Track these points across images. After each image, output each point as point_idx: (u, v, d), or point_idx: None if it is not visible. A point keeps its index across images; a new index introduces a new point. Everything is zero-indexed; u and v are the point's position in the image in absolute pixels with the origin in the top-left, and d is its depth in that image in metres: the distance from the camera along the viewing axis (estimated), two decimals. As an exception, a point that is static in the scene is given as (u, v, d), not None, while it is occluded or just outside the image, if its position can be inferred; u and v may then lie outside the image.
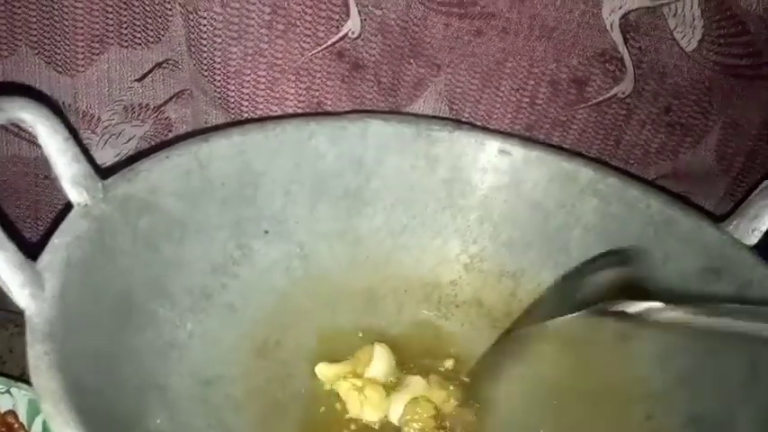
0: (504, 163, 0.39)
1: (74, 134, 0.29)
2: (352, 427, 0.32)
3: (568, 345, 0.35)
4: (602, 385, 0.34)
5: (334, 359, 0.35)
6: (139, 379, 0.28)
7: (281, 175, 0.37)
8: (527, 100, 0.42)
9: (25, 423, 0.38)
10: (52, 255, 0.26)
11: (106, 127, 0.43)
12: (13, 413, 0.38)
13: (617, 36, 0.39)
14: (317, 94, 0.42)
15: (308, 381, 0.34)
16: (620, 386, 0.34)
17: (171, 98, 0.43)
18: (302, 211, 0.38)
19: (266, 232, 0.37)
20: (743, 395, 0.31)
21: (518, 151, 0.39)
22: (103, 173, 0.31)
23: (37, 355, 0.22)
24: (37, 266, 0.25)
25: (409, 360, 0.35)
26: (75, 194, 0.28)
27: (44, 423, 0.38)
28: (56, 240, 0.27)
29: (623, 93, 0.41)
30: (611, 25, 0.39)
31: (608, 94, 0.41)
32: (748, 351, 0.31)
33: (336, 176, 0.38)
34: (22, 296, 0.24)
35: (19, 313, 0.47)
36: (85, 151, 0.30)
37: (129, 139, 0.44)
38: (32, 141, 0.43)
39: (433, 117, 0.42)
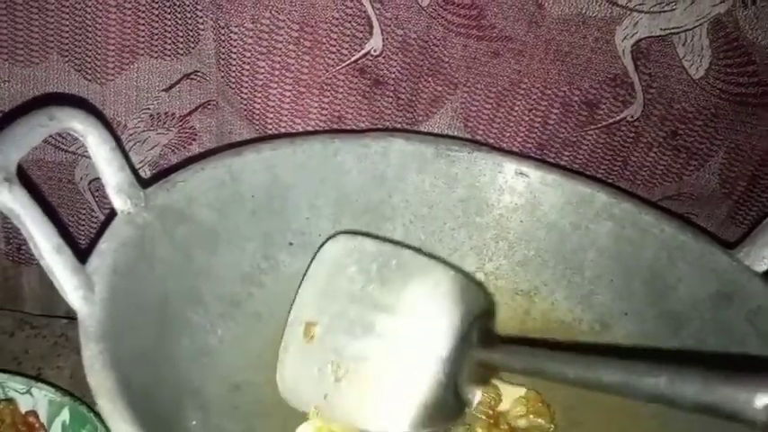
0: (520, 184, 0.41)
1: (119, 144, 0.30)
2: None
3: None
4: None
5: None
6: (176, 382, 0.29)
7: (308, 189, 0.38)
8: (539, 120, 0.43)
9: (45, 423, 0.39)
10: (100, 259, 0.27)
11: (132, 134, 0.44)
12: (34, 413, 0.39)
13: (628, 62, 0.41)
14: (339, 108, 0.43)
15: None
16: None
17: (197, 108, 0.44)
18: (326, 224, 0.39)
19: (291, 244, 0.38)
20: None
21: (534, 173, 0.40)
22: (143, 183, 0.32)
23: (92, 355, 0.23)
24: (86, 270, 0.26)
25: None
26: (119, 202, 0.29)
27: (63, 424, 0.39)
28: (103, 245, 0.28)
29: (632, 116, 0.43)
30: (623, 51, 0.40)
31: (618, 117, 0.43)
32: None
33: (359, 192, 0.39)
34: (75, 298, 0.25)
35: (35, 315, 0.48)
36: (128, 161, 0.31)
37: (154, 147, 0.45)
38: (57, 146, 0.44)
39: (453, 137, 0.43)
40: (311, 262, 0.35)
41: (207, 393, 0.30)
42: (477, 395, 0.33)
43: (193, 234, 0.32)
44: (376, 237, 0.36)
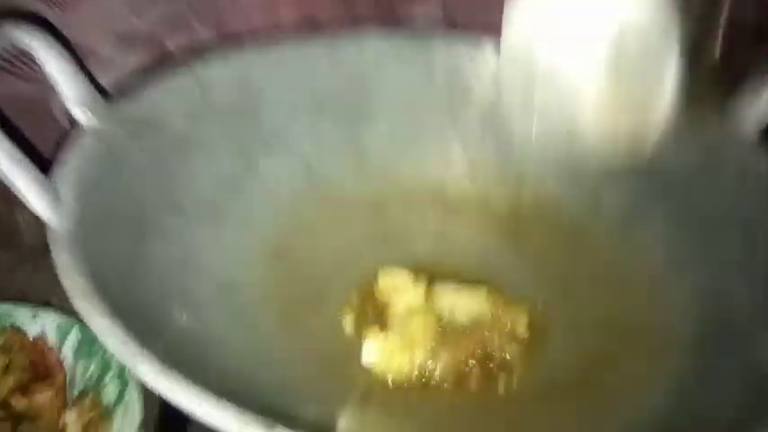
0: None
1: (77, 62, 0.29)
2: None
3: (567, 230, 0.36)
4: (602, 268, 0.35)
5: (345, 269, 0.36)
6: (161, 283, 0.29)
7: (282, 93, 0.37)
8: None
9: (56, 347, 0.40)
10: (65, 169, 0.27)
11: (101, 59, 0.43)
12: (43, 338, 0.40)
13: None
14: (311, 9, 0.42)
15: (325, 285, 0.35)
16: (621, 269, 0.35)
17: (166, 26, 0.43)
18: (304, 126, 0.38)
19: (270, 147, 0.37)
20: (741, 270, 0.32)
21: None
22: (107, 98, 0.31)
23: (64, 258, 0.23)
24: (51, 181, 0.26)
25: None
26: (81, 115, 0.29)
27: (74, 345, 0.40)
28: (66, 157, 0.27)
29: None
30: None
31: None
32: (743, 230, 0.32)
33: (336, 92, 0.38)
34: (40, 206, 0.25)
35: (35, 251, 0.49)
36: (89, 74, 0.30)
37: (126, 70, 0.43)
38: (31, 79, 0.43)
39: (429, 26, 0.42)
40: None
41: (194, 292, 0.30)
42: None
43: (165, 143, 0.32)
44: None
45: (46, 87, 0.42)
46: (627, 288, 0.35)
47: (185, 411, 0.20)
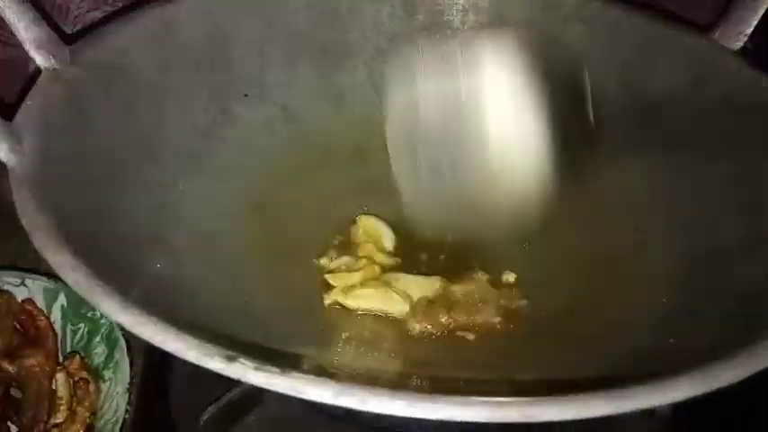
0: (483, 0, 0.38)
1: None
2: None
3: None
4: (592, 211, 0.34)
5: (327, 218, 0.35)
6: (135, 232, 0.28)
7: (253, 35, 0.36)
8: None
9: (44, 311, 0.39)
10: (26, 115, 0.26)
11: (77, 16, 0.42)
12: (31, 301, 0.39)
13: None
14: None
15: (306, 234, 0.35)
16: (609, 207, 0.34)
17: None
18: (280, 71, 0.37)
19: (246, 95, 0.36)
20: (726, 201, 0.31)
21: (498, -15, 0.37)
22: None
23: (24, 198, 0.23)
24: (12, 126, 0.25)
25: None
26: (41, 59, 0.28)
27: (62, 308, 0.40)
28: (28, 102, 0.27)
29: None
30: None
31: None
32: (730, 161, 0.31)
33: (312, 32, 0.37)
34: (1, 150, 0.24)
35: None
36: (47, 18, 0.29)
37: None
38: (5, 42, 0.42)
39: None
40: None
41: (171, 241, 0.30)
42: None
43: (133, 89, 0.31)
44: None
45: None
46: (613, 224, 0.34)
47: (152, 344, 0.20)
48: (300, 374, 0.18)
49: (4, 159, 0.24)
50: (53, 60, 0.28)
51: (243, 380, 0.18)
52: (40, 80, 0.28)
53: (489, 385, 0.25)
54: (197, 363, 0.19)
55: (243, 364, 0.18)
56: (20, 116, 0.26)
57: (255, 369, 0.18)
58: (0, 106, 0.25)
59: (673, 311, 0.29)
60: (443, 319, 0.31)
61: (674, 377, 0.19)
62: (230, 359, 0.19)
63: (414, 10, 0.38)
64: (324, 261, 0.34)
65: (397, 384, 0.18)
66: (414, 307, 0.31)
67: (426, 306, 0.31)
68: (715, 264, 0.29)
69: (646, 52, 0.35)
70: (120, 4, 0.42)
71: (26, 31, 0.28)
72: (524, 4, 0.38)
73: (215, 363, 0.18)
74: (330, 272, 0.33)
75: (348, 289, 0.31)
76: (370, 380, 0.18)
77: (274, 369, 0.18)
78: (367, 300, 0.31)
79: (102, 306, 0.20)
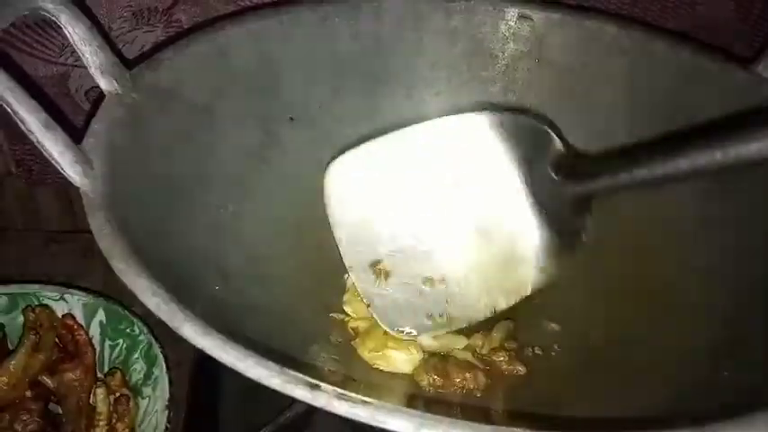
0: (524, 29, 0.38)
1: (97, 25, 0.29)
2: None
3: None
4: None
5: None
6: (193, 252, 0.29)
7: (299, 60, 0.36)
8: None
9: (83, 326, 0.40)
10: (95, 138, 0.27)
11: (118, 35, 0.42)
12: (71, 316, 0.40)
13: None
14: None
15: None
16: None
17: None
18: (324, 95, 0.38)
19: (291, 119, 0.37)
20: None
21: (538, 15, 0.38)
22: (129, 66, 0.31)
23: (100, 222, 0.23)
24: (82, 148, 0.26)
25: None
26: (105, 83, 0.29)
27: (101, 324, 0.40)
28: (95, 126, 0.27)
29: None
30: None
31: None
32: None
33: (355, 58, 0.38)
34: (74, 173, 0.25)
35: (59, 232, 0.49)
36: (110, 43, 0.30)
37: (143, 46, 0.43)
38: (46, 60, 0.43)
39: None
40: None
41: (226, 263, 0.30)
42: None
43: (188, 113, 0.32)
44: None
45: (64, 67, 0.42)
46: (655, 253, 0.34)
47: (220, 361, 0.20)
48: (382, 404, 0.19)
49: (78, 183, 0.25)
50: (116, 85, 0.29)
51: (326, 408, 0.19)
52: (105, 104, 0.28)
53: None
54: (280, 390, 0.19)
55: (326, 392, 0.19)
56: (89, 139, 0.27)
57: (339, 398, 0.19)
58: (63, 126, 0.25)
59: (719, 350, 0.29)
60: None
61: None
62: (313, 387, 0.19)
63: (455, 38, 0.39)
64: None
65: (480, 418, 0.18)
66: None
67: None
68: (761, 297, 0.30)
69: (690, 85, 0.35)
70: (161, 25, 0.43)
71: (93, 56, 0.28)
72: (565, 33, 0.38)
73: (300, 391, 0.19)
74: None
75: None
76: (449, 412, 0.18)
77: (356, 398, 0.19)
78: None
79: (184, 330, 0.21)
